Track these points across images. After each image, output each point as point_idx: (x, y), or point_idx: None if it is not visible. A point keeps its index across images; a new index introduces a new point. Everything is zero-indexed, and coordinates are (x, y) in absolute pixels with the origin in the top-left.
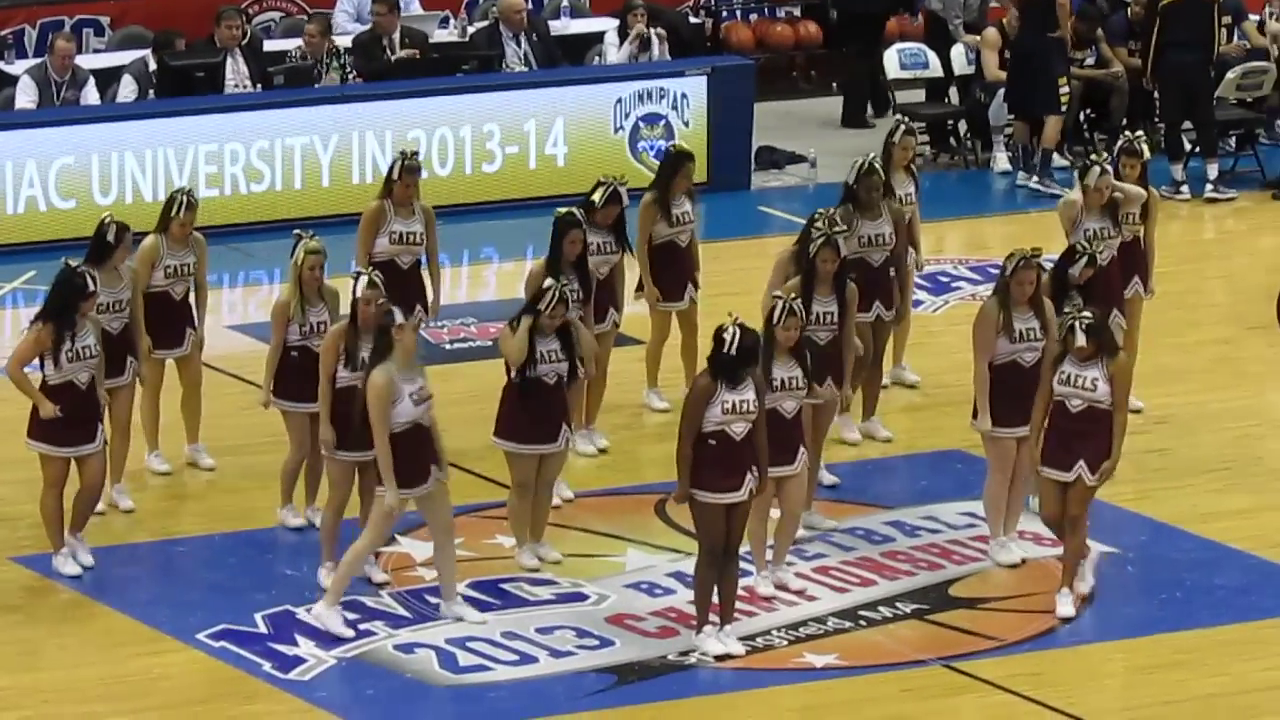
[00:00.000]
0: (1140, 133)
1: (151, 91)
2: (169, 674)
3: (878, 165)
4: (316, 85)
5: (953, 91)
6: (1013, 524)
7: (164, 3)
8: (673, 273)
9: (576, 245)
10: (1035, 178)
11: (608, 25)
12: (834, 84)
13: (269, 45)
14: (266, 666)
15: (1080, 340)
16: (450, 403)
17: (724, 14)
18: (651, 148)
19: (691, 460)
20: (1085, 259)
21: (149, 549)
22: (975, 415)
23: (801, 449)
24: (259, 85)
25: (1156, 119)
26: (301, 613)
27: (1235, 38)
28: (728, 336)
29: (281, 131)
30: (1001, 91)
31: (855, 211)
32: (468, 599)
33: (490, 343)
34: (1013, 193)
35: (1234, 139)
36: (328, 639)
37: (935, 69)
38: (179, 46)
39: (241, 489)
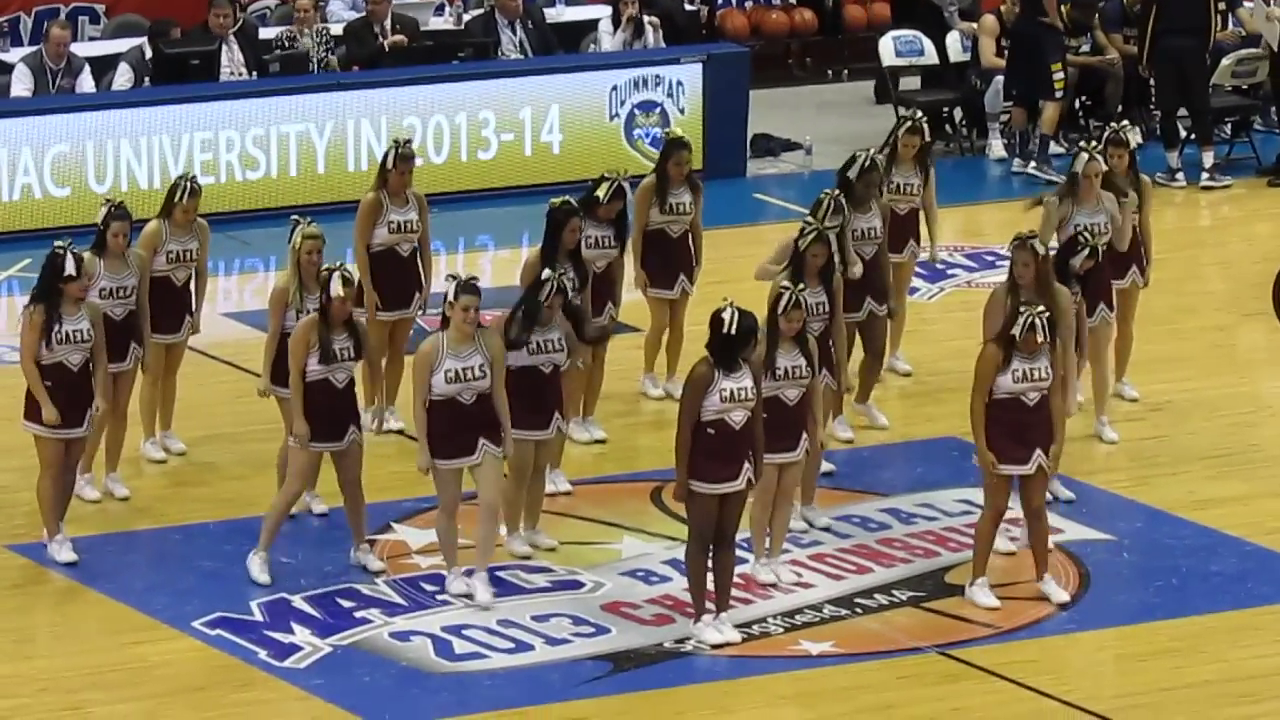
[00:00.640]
0: (1127, 122)
1: (147, 79)
2: (165, 661)
3: (880, 161)
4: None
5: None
6: None
7: None
8: (661, 260)
9: (575, 234)
10: (1032, 163)
11: (602, 12)
12: (829, 71)
13: (264, 33)
14: (262, 654)
15: (1041, 336)
16: None
17: (719, 1)
18: (647, 135)
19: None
20: (1087, 250)
21: (145, 536)
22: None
23: (804, 435)
24: (254, 73)
25: (1152, 106)
26: (298, 600)
27: (1230, 24)
28: (726, 317)
29: (277, 119)
30: (998, 79)
31: (848, 205)
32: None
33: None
34: (1008, 180)
35: (1229, 126)
36: (324, 626)
37: (931, 56)
38: (174, 34)
39: (238, 476)
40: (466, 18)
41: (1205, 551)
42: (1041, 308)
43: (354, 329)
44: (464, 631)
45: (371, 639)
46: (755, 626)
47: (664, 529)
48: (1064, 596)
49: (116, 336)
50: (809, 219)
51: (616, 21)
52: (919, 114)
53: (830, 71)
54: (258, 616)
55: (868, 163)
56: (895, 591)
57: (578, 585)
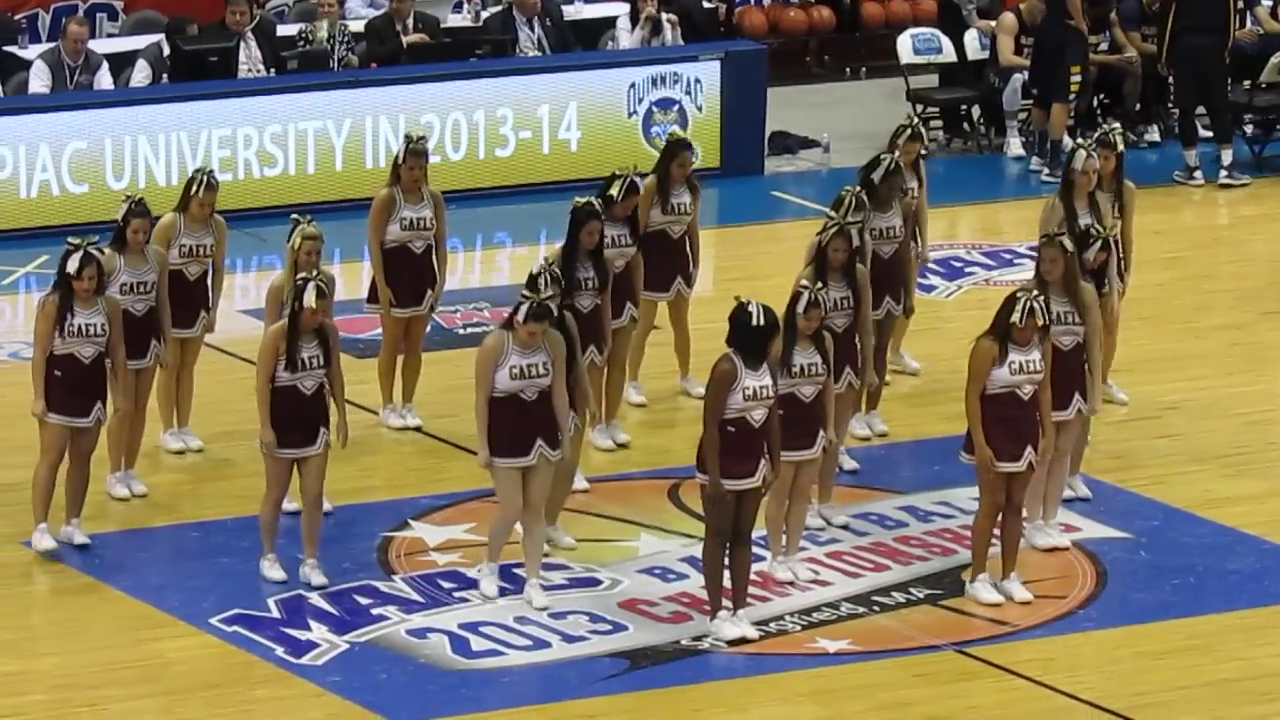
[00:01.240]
0: (1116, 125)
1: (165, 76)
2: (181, 658)
3: (903, 166)
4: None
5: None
6: (1052, 510)
7: None
8: (660, 262)
9: (594, 236)
10: (1045, 169)
11: (620, 10)
12: (847, 68)
13: (281, 30)
14: (279, 651)
15: (1041, 319)
16: (463, 387)
17: None
18: (664, 132)
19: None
20: (1099, 242)
21: (162, 533)
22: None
23: (820, 433)
24: (272, 70)
25: (1170, 104)
26: (314, 597)
27: (1249, 23)
28: (752, 310)
29: (295, 116)
30: (1015, 77)
31: (869, 204)
32: (479, 584)
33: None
34: (1026, 178)
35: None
36: (340, 623)
37: (949, 54)
38: (190, 31)
39: (255, 473)
40: (484, 15)
41: (1222, 550)
42: (1037, 292)
43: (324, 337)
44: (481, 629)
45: (388, 636)
46: (772, 624)
47: (681, 526)
48: (1028, 596)
49: (137, 333)
50: (830, 214)
51: (635, 19)
52: (917, 120)
53: (848, 69)
54: (274, 613)
55: (892, 165)
56: (912, 589)
57: (595, 582)
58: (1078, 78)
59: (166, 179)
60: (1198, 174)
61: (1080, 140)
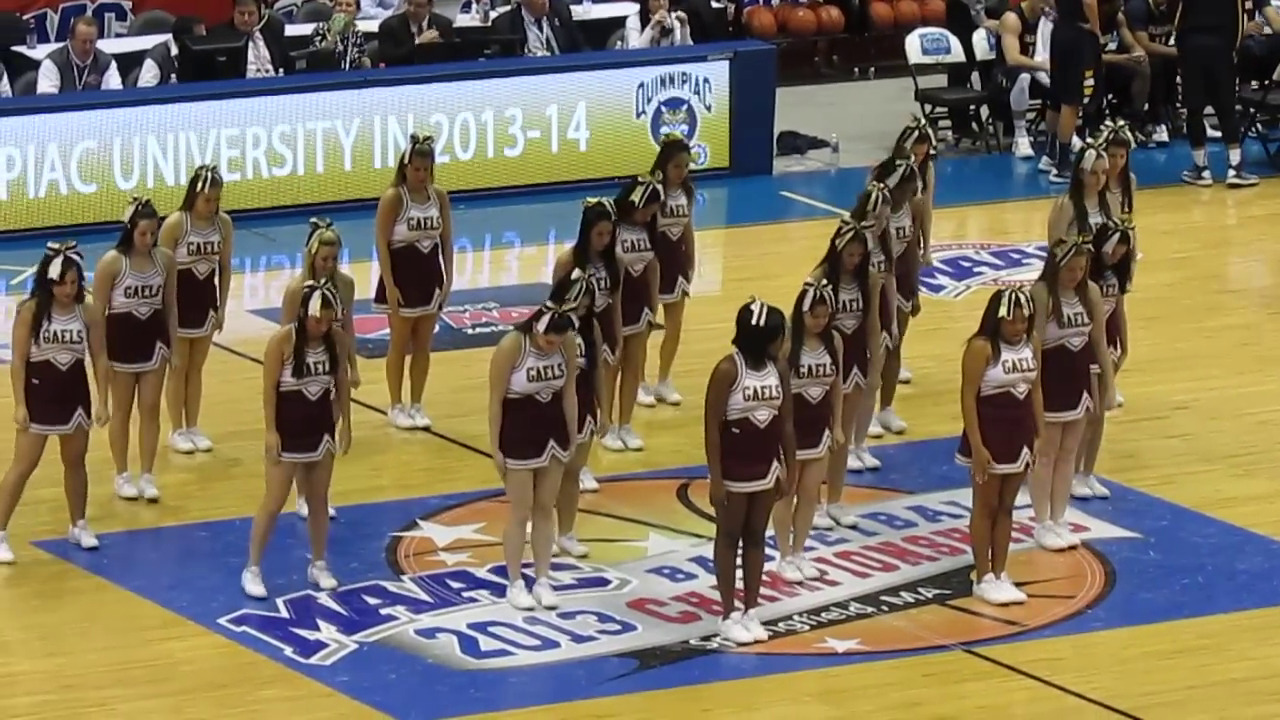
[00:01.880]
0: (1124, 122)
1: (173, 76)
2: (190, 658)
3: (917, 172)
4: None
5: (974, 76)
6: (1060, 510)
7: None
8: (661, 262)
9: (604, 237)
10: (1053, 171)
11: (629, 10)
12: (855, 68)
13: (290, 30)
14: (288, 651)
15: (1027, 309)
16: (472, 387)
17: None
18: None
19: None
20: (1117, 235)
21: (171, 533)
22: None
23: (826, 432)
24: (280, 70)
25: (1178, 104)
26: (323, 597)
27: (1256, 20)
28: (755, 309)
29: (303, 116)
30: (1023, 76)
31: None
32: (488, 584)
33: (512, 327)
34: (1035, 178)
35: None
36: (349, 623)
37: (957, 54)
38: (199, 31)
39: (263, 474)
40: (493, 15)
41: (1231, 550)
42: (1019, 285)
43: (330, 343)
44: (490, 629)
45: (397, 636)
46: (781, 624)
47: (690, 526)
48: (1020, 596)
49: (142, 336)
50: (849, 218)
51: (644, 19)
52: (924, 122)
53: (857, 69)
54: (283, 613)
55: (908, 171)
56: (921, 589)
57: (604, 582)
58: (1090, 81)
59: (175, 179)
60: (1206, 174)
61: (1089, 140)
